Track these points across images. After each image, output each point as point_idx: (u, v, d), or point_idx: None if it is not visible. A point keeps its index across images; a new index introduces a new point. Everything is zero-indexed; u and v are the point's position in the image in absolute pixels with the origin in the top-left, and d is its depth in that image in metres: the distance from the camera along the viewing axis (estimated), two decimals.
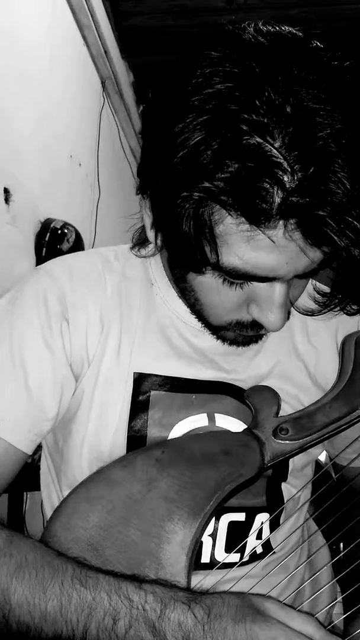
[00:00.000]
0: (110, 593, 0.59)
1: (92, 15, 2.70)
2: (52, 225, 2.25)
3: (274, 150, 0.53)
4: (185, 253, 0.60)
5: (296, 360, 0.81)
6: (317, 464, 0.90)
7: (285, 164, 0.53)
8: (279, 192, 0.53)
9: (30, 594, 0.60)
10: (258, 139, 0.53)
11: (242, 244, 0.57)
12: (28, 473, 1.51)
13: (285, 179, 0.53)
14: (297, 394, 0.80)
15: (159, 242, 0.66)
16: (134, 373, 0.75)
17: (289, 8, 2.81)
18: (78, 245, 2.35)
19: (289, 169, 0.53)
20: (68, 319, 0.75)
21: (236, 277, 0.61)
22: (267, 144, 0.53)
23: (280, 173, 0.53)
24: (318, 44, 0.58)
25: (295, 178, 0.53)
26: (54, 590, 0.59)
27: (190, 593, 0.61)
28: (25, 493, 1.86)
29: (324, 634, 0.59)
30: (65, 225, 2.30)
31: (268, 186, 0.53)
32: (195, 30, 2.99)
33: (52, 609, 0.59)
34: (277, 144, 0.53)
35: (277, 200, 0.53)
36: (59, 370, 0.74)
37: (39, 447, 0.85)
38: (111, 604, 0.58)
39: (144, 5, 2.92)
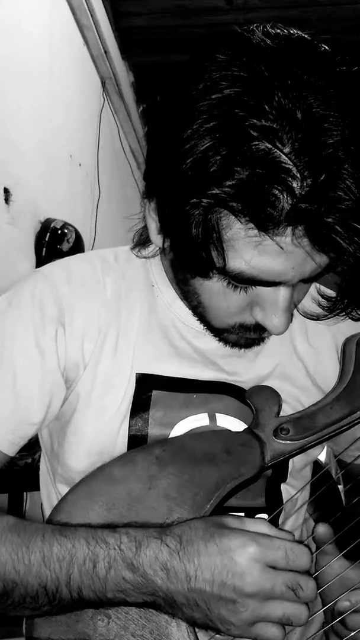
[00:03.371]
0: (88, 539, 0.61)
1: (92, 15, 2.71)
2: (52, 225, 2.25)
3: (284, 157, 0.52)
4: (193, 258, 0.60)
5: (296, 360, 0.81)
6: (317, 464, 0.90)
7: (294, 170, 0.52)
8: (288, 198, 0.53)
9: (14, 550, 0.62)
10: (267, 145, 0.52)
11: (249, 249, 0.57)
12: (28, 473, 1.53)
13: (295, 185, 0.53)
14: (297, 395, 0.80)
15: (165, 245, 0.66)
16: (137, 374, 0.75)
17: (289, 8, 2.81)
18: (78, 245, 2.35)
19: (299, 176, 0.53)
20: (64, 323, 0.74)
21: (242, 281, 0.61)
22: (276, 150, 0.52)
23: (290, 179, 0.53)
24: (326, 48, 0.58)
25: (305, 185, 0.53)
26: (36, 543, 0.62)
27: (159, 527, 0.63)
28: (25, 493, 1.86)
29: (275, 529, 0.63)
30: (65, 225, 2.30)
31: (277, 192, 0.53)
32: (195, 30, 2.99)
33: (36, 560, 0.61)
34: (286, 150, 0.53)
35: (286, 206, 0.53)
36: (49, 376, 0.74)
37: (39, 447, 0.86)
38: (90, 548, 0.61)
39: (144, 5, 2.92)
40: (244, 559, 0.59)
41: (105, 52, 3.01)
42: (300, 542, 0.63)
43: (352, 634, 0.69)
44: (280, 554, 0.60)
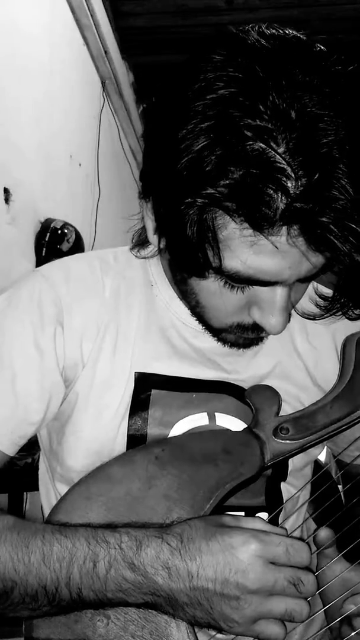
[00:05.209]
0: (88, 538, 0.61)
1: (92, 15, 2.71)
2: (52, 225, 2.25)
3: (278, 156, 0.53)
4: (188, 257, 0.61)
5: (296, 359, 0.81)
6: (317, 464, 0.90)
7: (289, 170, 0.53)
8: (283, 198, 0.53)
9: (14, 550, 0.62)
10: (262, 145, 0.53)
11: (245, 249, 0.57)
12: (28, 473, 1.53)
13: (289, 185, 0.53)
14: (297, 394, 0.80)
15: (162, 245, 0.66)
16: (135, 373, 0.75)
17: (289, 8, 2.81)
18: (78, 245, 2.35)
19: (293, 175, 0.53)
20: (62, 322, 0.74)
21: (238, 281, 0.61)
22: (270, 150, 0.53)
23: (284, 179, 0.53)
24: (322, 47, 0.58)
25: (299, 184, 0.53)
26: (36, 543, 0.62)
27: (159, 527, 0.63)
28: (25, 493, 1.87)
29: (269, 525, 0.64)
30: (65, 225, 2.30)
31: (272, 192, 0.53)
32: (195, 30, 2.99)
33: (36, 560, 0.61)
34: (280, 150, 0.53)
35: (281, 206, 0.53)
36: (48, 375, 0.74)
37: (39, 447, 0.86)
38: (90, 547, 0.61)
39: (144, 5, 2.92)
40: (247, 555, 0.59)
41: (105, 52, 3.01)
42: (299, 538, 0.63)
43: None
44: (281, 549, 0.60)
